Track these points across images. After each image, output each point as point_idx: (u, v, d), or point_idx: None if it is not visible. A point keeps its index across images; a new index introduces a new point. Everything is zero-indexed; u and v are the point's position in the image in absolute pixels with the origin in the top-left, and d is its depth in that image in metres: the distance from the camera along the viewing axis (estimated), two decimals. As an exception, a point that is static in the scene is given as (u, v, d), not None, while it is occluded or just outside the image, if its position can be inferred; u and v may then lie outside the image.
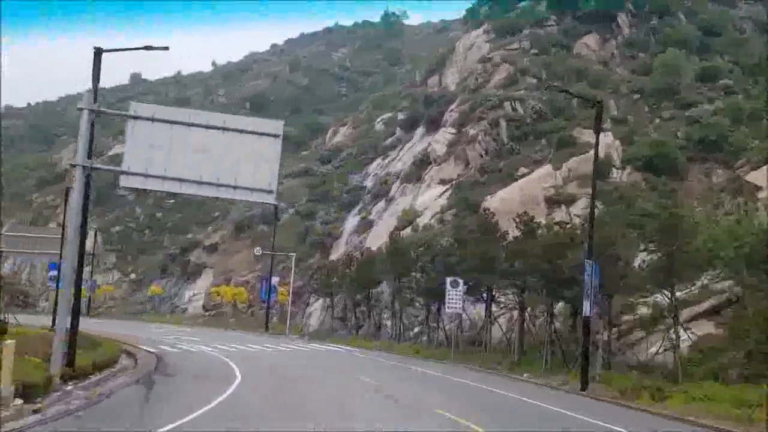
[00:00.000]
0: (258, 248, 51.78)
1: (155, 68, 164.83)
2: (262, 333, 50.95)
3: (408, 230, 49.74)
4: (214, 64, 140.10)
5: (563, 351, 28.61)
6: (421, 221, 50.50)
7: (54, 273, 48.21)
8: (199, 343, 37.00)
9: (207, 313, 63.30)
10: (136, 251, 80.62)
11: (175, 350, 32.96)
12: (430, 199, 53.50)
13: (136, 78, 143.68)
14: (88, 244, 76.11)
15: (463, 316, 35.99)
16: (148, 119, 18.64)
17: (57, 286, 47.76)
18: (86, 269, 78.96)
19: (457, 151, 55.09)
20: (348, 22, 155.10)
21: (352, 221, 61.20)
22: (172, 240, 79.56)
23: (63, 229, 48.38)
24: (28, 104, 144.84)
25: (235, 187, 19.11)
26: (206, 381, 21.17)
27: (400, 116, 76.00)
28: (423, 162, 59.43)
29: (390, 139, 74.23)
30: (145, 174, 18.66)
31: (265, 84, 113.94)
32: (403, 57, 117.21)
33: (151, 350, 32.32)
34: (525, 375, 26.97)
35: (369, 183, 67.93)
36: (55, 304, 47.11)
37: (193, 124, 18.87)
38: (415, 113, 71.24)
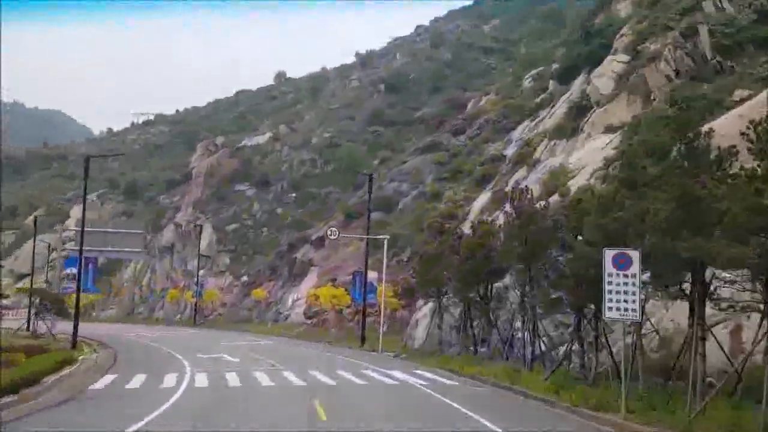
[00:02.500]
0: (333, 229, 37.35)
1: (300, 67, 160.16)
2: (355, 348, 36.93)
3: (555, 197, 33.20)
4: (357, 54, 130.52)
5: None
6: (576, 183, 33.69)
7: (70, 271, 37.61)
8: (220, 370, 24.21)
9: (308, 321, 50.59)
10: (251, 251, 70.59)
11: (134, 386, 20.10)
12: (589, 153, 36.42)
13: (281, 77, 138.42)
14: (203, 243, 66.33)
15: (645, 323, 19.31)
16: None
17: (78, 286, 37.29)
18: (198, 273, 70.38)
19: (631, 82, 37.43)
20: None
21: (483, 198, 45.27)
22: (290, 238, 68.42)
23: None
24: (177, 111, 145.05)
25: None
26: None
27: (554, 66, 58.73)
28: (580, 109, 42.30)
29: (541, 96, 57.24)
30: None
31: (401, 63, 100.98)
32: (564, 17, 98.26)
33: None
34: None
35: (510, 151, 51.61)
36: (77, 309, 36.60)
37: None
38: (573, 60, 53.75)
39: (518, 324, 27.62)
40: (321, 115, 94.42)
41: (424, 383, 21.30)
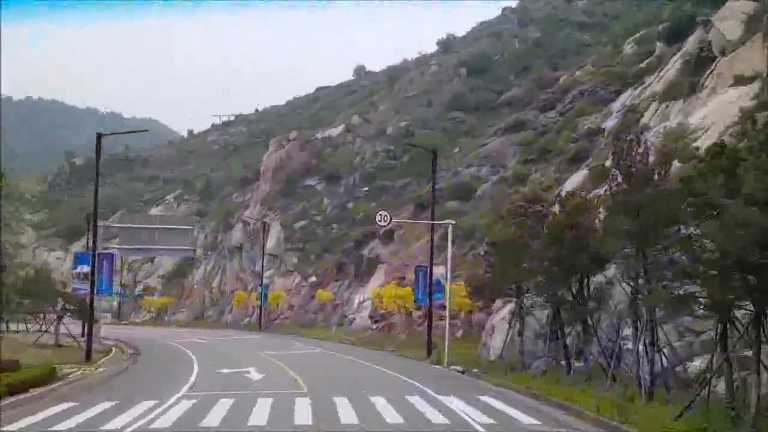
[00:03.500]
0: (383, 213, 30.68)
1: (383, 61, 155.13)
2: (419, 359, 30.42)
3: (674, 164, 25.39)
4: (438, 42, 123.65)
5: None
6: (700, 145, 25.79)
7: (82, 269, 32.58)
8: (218, 395, 18.85)
9: (374, 326, 44.38)
10: (320, 249, 65.06)
11: (62, 428, 14.35)
12: (717, 109, 28.33)
13: (360, 71, 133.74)
14: (270, 242, 61.08)
15: None
16: None
17: (92, 288, 32.10)
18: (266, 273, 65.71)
19: (767, 21, 28.97)
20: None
21: (576, 177, 37.50)
22: (358, 233, 62.48)
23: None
24: (256, 110, 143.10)
25: None
26: None
27: (662, 27, 49.98)
28: (699, 62, 34.04)
29: (647, 61, 48.66)
30: None
31: (484, 45, 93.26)
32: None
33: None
34: None
35: (610, 123, 43.46)
36: (90, 314, 31.28)
37: None
38: (685, 14, 45.16)
39: (627, 331, 20.23)
40: (397, 103, 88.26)
41: (488, 422, 14.44)
